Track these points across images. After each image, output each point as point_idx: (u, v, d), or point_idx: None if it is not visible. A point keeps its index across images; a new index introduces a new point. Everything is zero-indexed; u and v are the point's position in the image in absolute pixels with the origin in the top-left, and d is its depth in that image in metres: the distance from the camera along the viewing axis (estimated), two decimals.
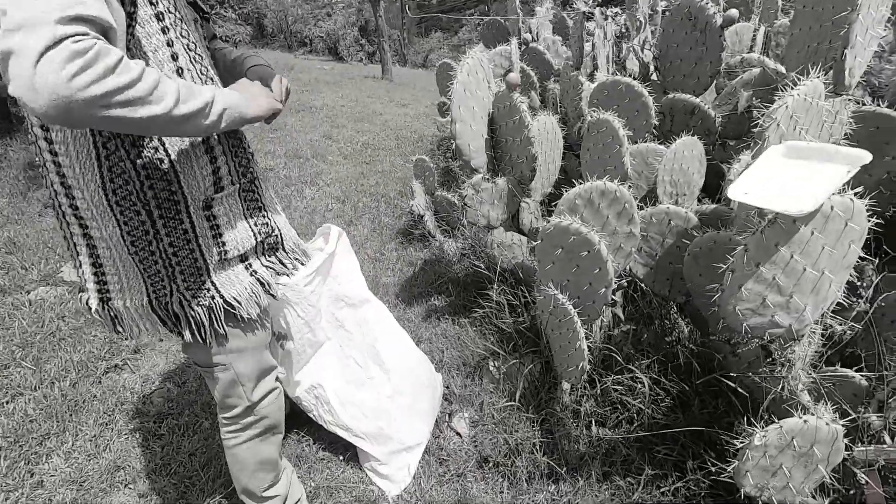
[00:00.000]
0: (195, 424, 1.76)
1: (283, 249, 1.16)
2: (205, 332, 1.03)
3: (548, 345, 1.71)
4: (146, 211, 0.92)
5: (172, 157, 0.92)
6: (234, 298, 1.04)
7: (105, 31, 0.69)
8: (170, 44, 0.89)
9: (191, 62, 0.93)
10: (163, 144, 0.90)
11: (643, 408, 1.56)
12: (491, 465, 1.62)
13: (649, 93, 1.99)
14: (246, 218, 1.06)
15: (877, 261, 1.63)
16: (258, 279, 1.09)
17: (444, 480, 1.59)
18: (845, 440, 1.10)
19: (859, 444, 1.12)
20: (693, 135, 1.84)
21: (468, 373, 1.99)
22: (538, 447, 1.60)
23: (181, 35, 0.92)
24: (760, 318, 1.04)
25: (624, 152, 1.69)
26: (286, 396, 1.59)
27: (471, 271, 2.51)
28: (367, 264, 2.74)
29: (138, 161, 0.88)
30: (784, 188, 0.92)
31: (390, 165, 4.28)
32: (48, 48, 0.60)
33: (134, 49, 0.84)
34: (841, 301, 1.04)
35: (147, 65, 0.74)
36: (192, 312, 1.01)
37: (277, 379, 1.26)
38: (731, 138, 2.30)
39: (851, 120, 1.45)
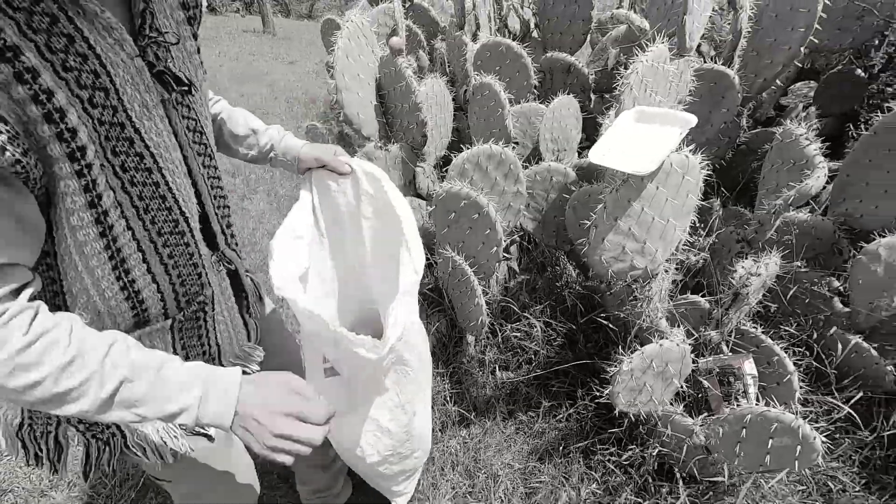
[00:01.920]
0: None
1: (220, 365, 0.90)
2: (89, 468, 0.79)
3: (450, 303, 1.81)
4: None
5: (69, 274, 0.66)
6: (138, 443, 0.79)
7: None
8: (105, 234, 0.64)
9: (151, 257, 0.69)
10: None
11: (538, 349, 1.73)
12: None
13: (529, 52, 2.07)
14: (173, 336, 0.79)
15: (718, 200, 1.90)
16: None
17: None
18: (692, 355, 1.32)
19: (703, 357, 1.35)
20: (569, 92, 1.97)
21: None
22: (449, 398, 1.72)
23: (132, 205, 0.65)
24: (622, 264, 1.19)
25: (506, 115, 1.77)
26: None
27: None
28: (265, 241, 2.65)
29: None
30: (633, 150, 1.04)
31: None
32: None
33: (63, 257, 0.63)
34: (689, 239, 1.22)
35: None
36: (85, 443, 0.78)
37: None
38: (605, 92, 2.48)
39: (694, 78, 1.65)
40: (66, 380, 0.55)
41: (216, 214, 0.86)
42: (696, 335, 1.37)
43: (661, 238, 1.18)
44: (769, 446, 1.17)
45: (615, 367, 1.26)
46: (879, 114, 1.61)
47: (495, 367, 1.78)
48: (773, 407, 1.17)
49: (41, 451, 0.76)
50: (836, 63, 2.56)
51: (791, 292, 1.62)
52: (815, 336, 1.63)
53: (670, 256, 1.39)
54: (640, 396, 1.30)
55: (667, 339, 1.24)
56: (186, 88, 0.72)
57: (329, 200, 1.07)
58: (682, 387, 1.34)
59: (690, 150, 1.10)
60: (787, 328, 1.68)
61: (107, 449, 0.78)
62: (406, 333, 0.96)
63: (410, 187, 2.25)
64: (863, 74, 2.40)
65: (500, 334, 1.80)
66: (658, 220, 1.14)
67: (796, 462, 1.17)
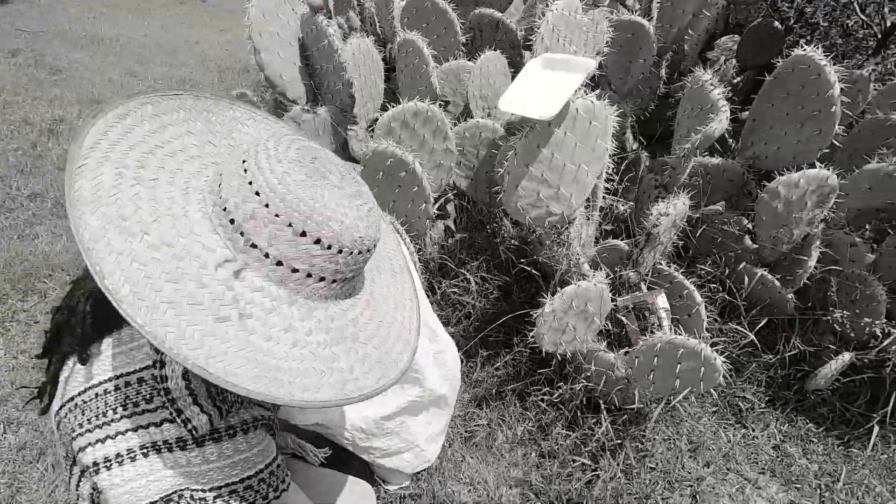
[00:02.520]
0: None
1: None
2: None
3: None
4: None
5: None
6: None
7: None
8: None
9: None
10: None
11: (475, 303, 1.79)
12: None
13: (456, 9, 2.05)
14: None
15: (641, 148, 1.98)
16: None
17: None
18: (612, 295, 1.40)
19: (622, 296, 1.44)
20: (498, 49, 1.97)
21: None
22: None
23: None
24: (539, 210, 1.24)
25: (431, 72, 1.76)
26: None
27: None
28: None
29: None
30: (539, 96, 1.07)
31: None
32: None
33: None
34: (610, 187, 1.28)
35: None
36: None
37: None
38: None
39: (610, 28, 1.68)
40: None
41: None
42: (616, 276, 1.46)
43: (574, 183, 1.23)
44: (678, 371, 1.27)
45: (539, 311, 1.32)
46: None
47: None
48: (682, 335, 1.26)
49: None
50: (757, 16, 2.67)
51: (700, 231, 1.73)
52: (727, 272, 1.76)
53: (591, 203, 1.45)
54: (565, 336, 1.38)
55: (586, 280, 1.30)
56: None
57: None
58: (603, 325, 1.43)
59: (603, 98, 1.14)
60: (703, 266, 1.80)
61: None
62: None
63: (344, 152, 2.22)
64: (780, 27, 2.51)
65: (438, 292, 1.84)
66: (569, 165, 1.18)
67: (701, 383, 1.28)
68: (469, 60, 1.99)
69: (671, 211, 1.34)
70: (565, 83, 1.06)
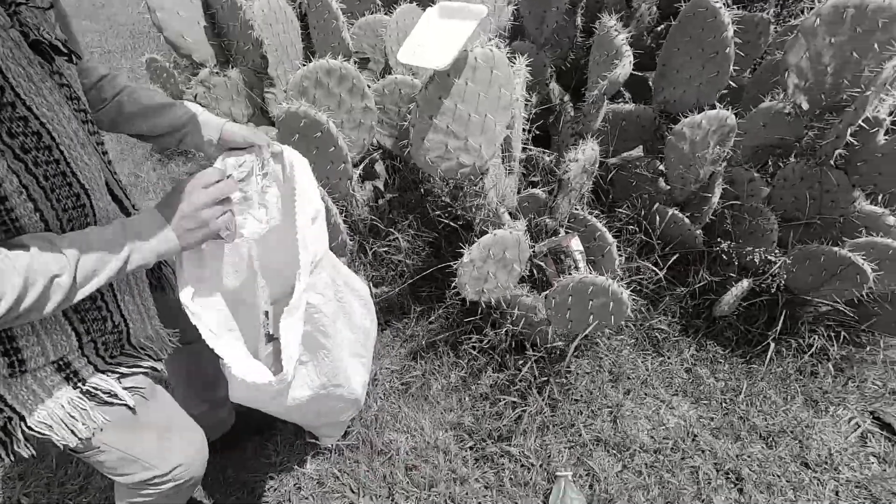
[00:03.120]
0: None
1: (130, 344, 0.86)
2: (6, 452, 0.77)
3: None
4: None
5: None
6: (42, 422, 0.76)
7: None
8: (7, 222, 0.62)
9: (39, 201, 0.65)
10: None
11: (406, 260, 1.81)
12: None
13: None
14: (67, 314, 0.75)
15: (565, 97, 2.01)
16: (90, 389, 0.79)
17: None
18: (531, 241, 1.46)
19: (541, 241, 1.50)
20: (415, 1, 1.92)
21: None
22: None
23: (39, 186, 0.64)
24: (449, 162, 1.26)
25: (342, 27, 1.71)
26: None
27: None
28: None
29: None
30: (436, 46, 1.07)
31: (129, 71, 3.61)
32: None
33: None
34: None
35: None
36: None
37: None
38: None
39: None
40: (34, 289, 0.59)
41: (115, 182, 0.84)
42: (535, 223, 1.51)
43: (482, 133, 1.25)
44: (590, 307, 1.35)
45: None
46: None
47: (370, 284, 1.84)
48: (597, 275, 1.34)
49: None
50: None
51: (611, 176, 1.80)
52: (643, 213, 1.86)
53: (507, 154, 1.48)
54: (487, 284, 1.43)
55: (502, 229, 1.35)
56: (67, 57, 0.70)
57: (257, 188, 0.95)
58: (524, 271, 1.49)
59: (497, 46, 1.15)
60: (621, 210, 1.89)
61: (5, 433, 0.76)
62: (316, 320, 0.99)
63: (264, 116, 2.14)
64: None
65: (369, 252, 1.85)
66: (474, 115, 1.20)
67: (612, 317, 1.37)
68: (386, 14, 1.94)
69: (580, 157, 1.39)
70: (459, 32, 1.06)
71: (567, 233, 1.50)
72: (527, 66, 1.90)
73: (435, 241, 1.85)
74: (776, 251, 1.62)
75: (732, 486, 1.41)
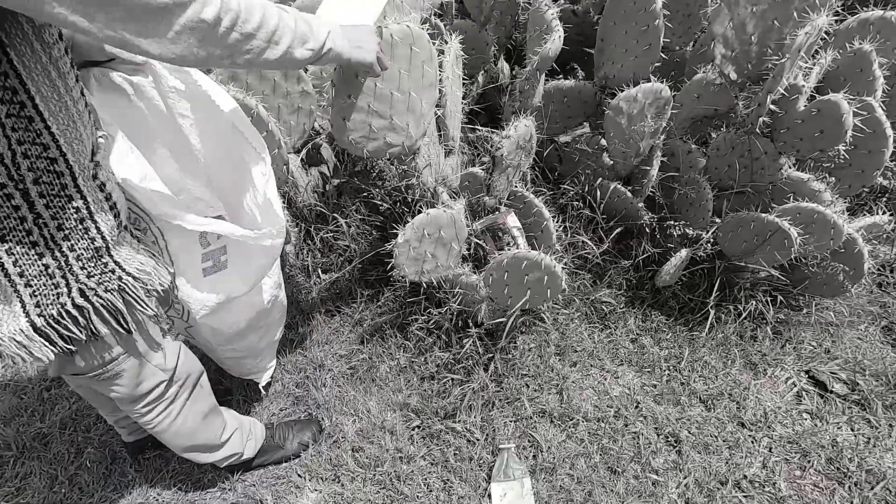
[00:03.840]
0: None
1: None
2: (125, 320, 0.87)
3: None
4: (21, 191, 0.70)
5: (46, 114, 0.70)
6: (140, 270, 0.87)
7: None
8: None
9: None
10: (31, 98, 0.68)
11: (353, 245, 1.81)
12: None
13: None
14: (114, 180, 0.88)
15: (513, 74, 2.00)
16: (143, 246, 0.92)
17: None
18: (468, 219, 1.46)
19: (477, 219, 1.50)
20: None
21: None
22: None
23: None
24: (376, 143, 1.25)
25: None
26: None
27: None
28: None
29: (7, 122, 0.66)
30: (350, 21, 1.05)
31: None
32: None
33: None
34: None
35: None
36: (102, 301, 0.83)
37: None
38: None
39: None
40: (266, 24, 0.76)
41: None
42: (475, 201, 1.52)
43: (408, 112, 1.24)
44: (525, 282, 1.37)
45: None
46: None
47: (318, 271, 1.83)
48: (530, 249, 1.35)
49: (66, 329, 0.81)
50: None
51: (546, 151, 1.82)
52: (587, 188, 1.88)
53: (444, 132, 1.47)
54: (426, 265, 1.43)
55: (435, 207, 1.35)
56: None
57: (127, 110, 0.97)
58: (464, 249, 1.49)
59: (414, 23, 1.14)
60: (566, 186, 1.91)
61: (123, 294, 0.86)
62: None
63: None
64: None
65: (316, 239, 1.84)
66: (397, 93, 1.18)
67: (548, 290, 1.39)
68: None
69: (512, 133, 1.39)
70: (370, 6, 1.04)
71: (503, 210, 1.51)
72: (469, 44, 1.89)
73: (382, 225, 1.84)
74: (712, 219, 1.66)
75: (671, 448, 1.46)
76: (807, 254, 1.54)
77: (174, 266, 1.04)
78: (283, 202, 1.75)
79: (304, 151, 1.85)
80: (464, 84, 2.23)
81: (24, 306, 0.77)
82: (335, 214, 1.82)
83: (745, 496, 1.35)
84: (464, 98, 2.22)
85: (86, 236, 0.79)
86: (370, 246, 1.83)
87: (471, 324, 1.55)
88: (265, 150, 1.07)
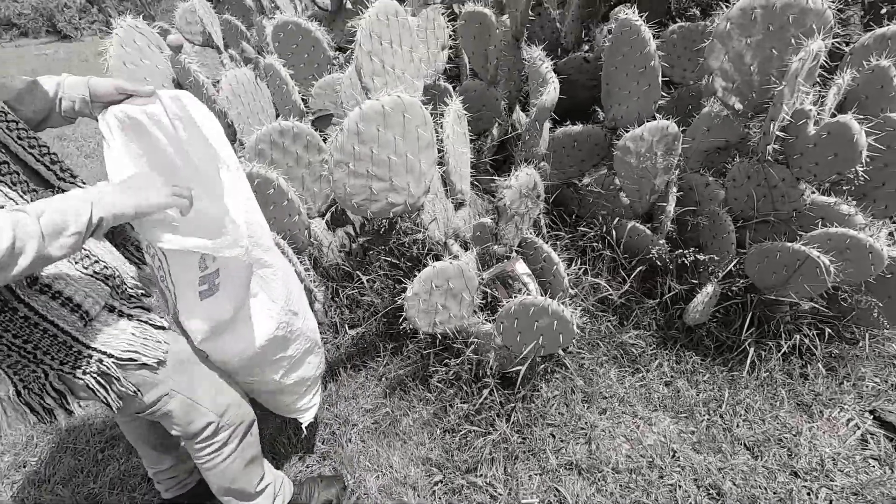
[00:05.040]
0: None
1: (127, 286, 1.03)
2: (107, 397, 0.94)
3: None
4: None
5: None
6: (129, 351, 0.94)
7: None
8: None
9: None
10: None
11: (376, 300, 1.87)
12: None
13: (329, 30, 2.14)
14: (79, 270, 0.92)
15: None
16: (138, 320, 0.98)
17: None
18: (476, 268, 1.49)
19: (488, 268, 1.53)
20: None
21: None
22: None
23: None
24: (378, 203, 1.32)
25: (291, 90, 1.85)
26: None
27: None
28: None
29: None
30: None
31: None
32: None
33: None
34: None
35: None
36: (82, 382, 0.92)
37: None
38: None
39: (451, 23, 1.78)
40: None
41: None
42: (485, 251, 1.55)
43: (408, 173, 1.32)
44: (535, 329, 1.36)
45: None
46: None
47: (345, 326, 1.90)
48: (536, 296, 1.35)
49: (48, 403, 0.91)
50: None
51: (554, 196, 1.82)
52: (605, 230, 1.86)
53: (451, 187, 1.53)
54: (439, 316, 1.46)
55: (441, 260, 1.39)
56: None
57: (146, 137, 1.01)
58: (475, 299, 1.51)
59: (405, 92, 1.23)
60: (583, 228, 1.90)
61: (103, 377, 0.92)
62: (254, 231, 1.10)
63: None
64: None
65: (342, 295, 1.92)
66: (394, 157, 1.27)
67: (560, 335, 1.37)
68: (340, 73, 2.08)
69: (513, 183, 1.43)
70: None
71: (512, 258, 1.53)
72: (480, 102, 1.97)
73: (404, 278, 1.90)
74: (737, 252, 1.59)
75: (713, 501, 1.34)
76: (845, 282, 1.44)
77: (176, 289, 1.08)
78: (310, 263, 1.86)
79: (328, 214, 1.97)
80: (479, 138, 2.33)
81: (11, 380, 0.89)
82: (357, 272, 1.90)
83: None
84: (480, 151, 2.31)
85: (45, 335, 0.87)
86: (393, 300, 1.89)
87: (487, 374, 1.54)
88: (235, 166, 1.09)
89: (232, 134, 2.02)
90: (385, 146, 1.24)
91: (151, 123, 1.04)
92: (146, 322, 0.99)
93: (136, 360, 0.94)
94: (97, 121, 0.99)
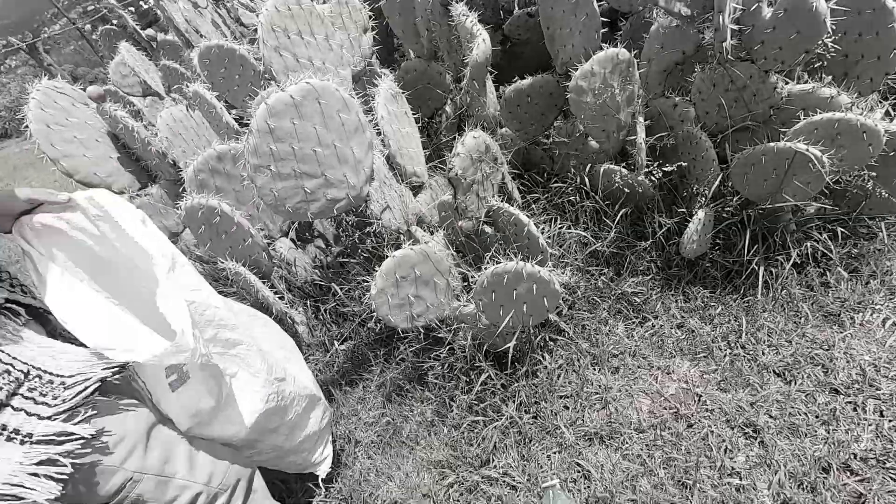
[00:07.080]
0: None
1: (41, 384, 0.87)
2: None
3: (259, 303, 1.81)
4: None
5: None
6: (6, 483, 0.78)
7: None
8: None
9: None
10: None
11: (355, 308, 1.77)
12: None
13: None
14: None
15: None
16: (40, 439, 0.82)
17: None
18: (445, 249, 1.38)
19: (457, 248, 1.42)
20: None
21: None
22: None
23: None
24: (318, 203, 1.22)
25: (221, 113, 1.76)
26: None
27: None
28: None
29: None
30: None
31: None
32: None
33: None
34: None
35: None
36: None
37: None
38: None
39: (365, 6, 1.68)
40: None
41: None
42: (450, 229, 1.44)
43: (342, 164, 1.22)
44: (515, 297, 1.25)
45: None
46: None
47: (333, 342, 1.81)
48: (507, 261, 1.23)
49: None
50: None
51: (511, 154, 1.70)
52: (580, 180, 1.73)
53: (406, 170, 1.43)
54: (416, 308, 1.35)
55: (401, 248, 1.28)
56: None
57: (67, 242, 0.99)
58: (450, 282, 1.40)
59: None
60: (559, 184, 1.78)
61: None
62: (212, 316, 1.05)
63: None
64: None
65: (324, 311, 1.83)
66: (321, 150, 1.16)
67: (545, 299, 1.25)
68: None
69: (460, 149, 1.32)
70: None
71: (499, 229, 1.42)
72: (424, 79, 1.86)
73: None
74: (719, 169, 1.45)
75: (751, 440, 1.21)
76: (848, 171, 1.29)
77: (146, 384, 1.04)
78: (281, 286, 1.77)
79: (291, 231, 1.88)
80: (434, 117, 2.22)
81: None
82: (332, 284, 1.81)
83: (859, 480, 1.08)
84: (438, 132, 2.20)
85: None
86: None
87: (477, 358, 1.42)
88: (168, 254, 1.03)
89: (176, 173, 1.95)
90: (306, 139, 1.14)
91: (71, 228, 1.00)
92: (53, 437, 0.82)
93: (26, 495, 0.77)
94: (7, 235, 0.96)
